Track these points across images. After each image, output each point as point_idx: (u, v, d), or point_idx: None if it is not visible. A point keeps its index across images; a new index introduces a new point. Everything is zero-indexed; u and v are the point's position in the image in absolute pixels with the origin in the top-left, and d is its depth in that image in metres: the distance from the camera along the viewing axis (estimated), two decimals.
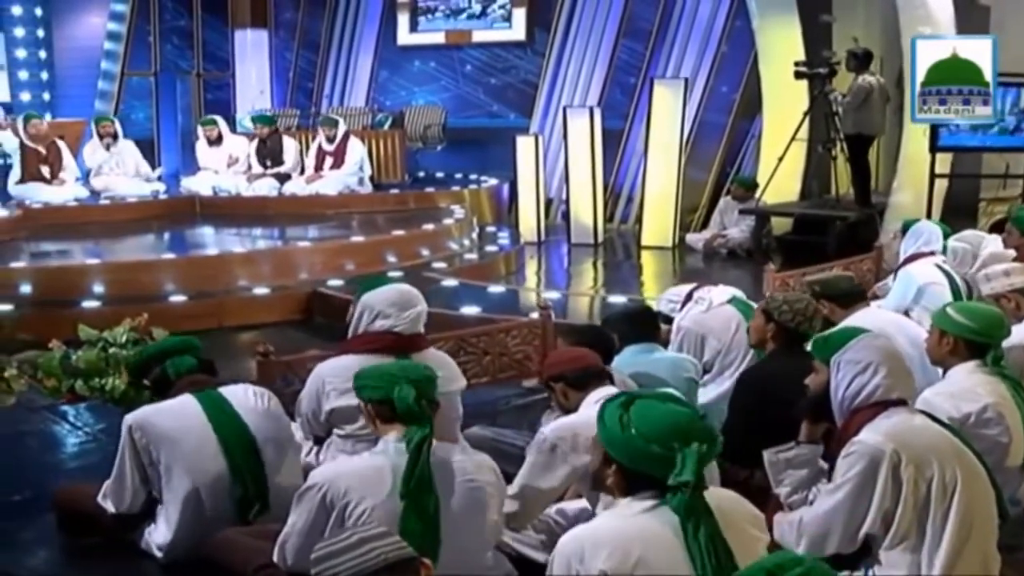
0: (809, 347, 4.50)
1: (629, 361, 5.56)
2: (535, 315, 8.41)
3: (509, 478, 4.56)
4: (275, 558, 3.98)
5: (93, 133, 14.83)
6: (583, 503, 4.51)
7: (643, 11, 16.03)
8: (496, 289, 10.65)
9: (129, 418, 4.51)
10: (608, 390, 4.51)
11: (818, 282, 6.43)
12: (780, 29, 14.03)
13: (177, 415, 4.53)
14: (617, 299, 10.23)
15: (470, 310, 9.04)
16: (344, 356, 5.05)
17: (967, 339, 4.83)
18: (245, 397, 4.68)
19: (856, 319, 5.71)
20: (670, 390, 4.58)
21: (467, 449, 4.30)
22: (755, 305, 6.70)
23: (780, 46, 13.97)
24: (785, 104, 13.94)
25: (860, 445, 3.88)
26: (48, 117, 15.84)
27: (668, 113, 13.96)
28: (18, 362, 5.35)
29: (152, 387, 4.86)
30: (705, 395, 6.10)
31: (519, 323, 7.63)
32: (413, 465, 3.81)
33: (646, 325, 5.95)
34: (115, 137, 14.70)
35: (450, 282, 10.39)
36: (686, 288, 6.84)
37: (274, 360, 6.19)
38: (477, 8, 17.95)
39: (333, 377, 4.99)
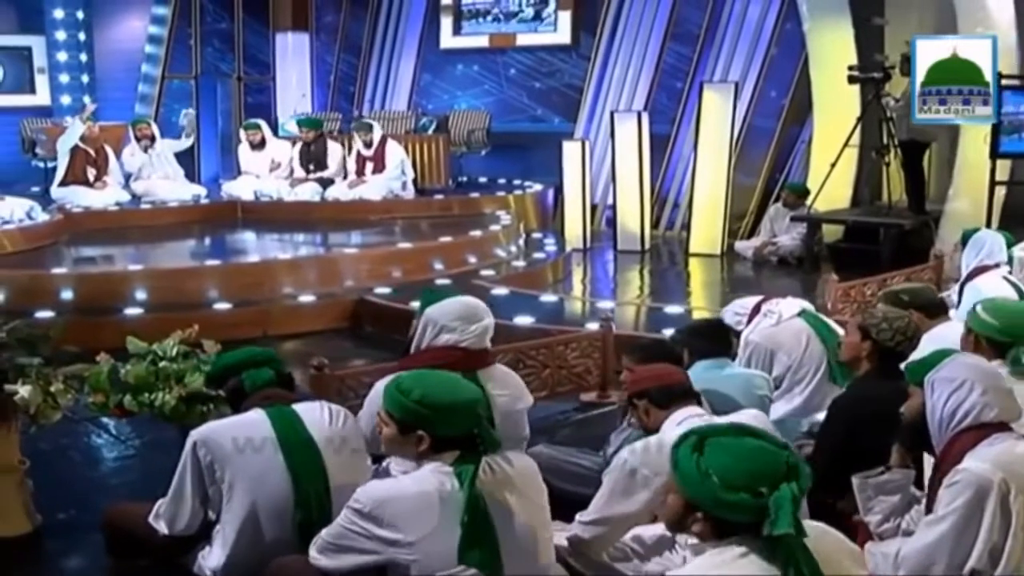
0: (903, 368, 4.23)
1: (700, 377, 5.30)
2: (592, 326, 8.23)
3: (576, 499, 4.42)
4: None
5: (131, 136, 14.75)
6: (661, 528, 4.26)
7: (691, 14, 15.77)
8: (548, 298, 10.40)
9: (194, 434, 4.28)
10: (693, 410, 4.31)
11: (906, 291, 6.15)
12: (832, 32, 13.71)
13: (246, 432, 4.28)
14: (674, 309, 9.92)
15: (523, 320, 8.80)
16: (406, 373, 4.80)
17: (990, 337, 4.68)
18: (320, 416, 4.41)
19: (939, 332, 5.45)
20: (744, 413, 4.37)
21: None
22: (825, 319, 6.51)
23: (831, 50, 13.66)
24: (836, 109, 13.66)
25: (965, 474, 3.61)
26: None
27: (717, 118, 13.69)
28: (64, 376, 5.11)
29: (227, 399, 4.64)
30: (774, 412, 5.83)
31: (579, 335, 7.39)
32: (469, 500, 3.65)
33: (718, 339, 5.69)
34: (152, 139, 14.62)
35: (500, 290, 10.15)
36: (752, 300, 6.59)
37: (328, 374, 5.95)
38: (522, 11, 17.69)
39: None
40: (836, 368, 6.07)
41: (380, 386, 4.78)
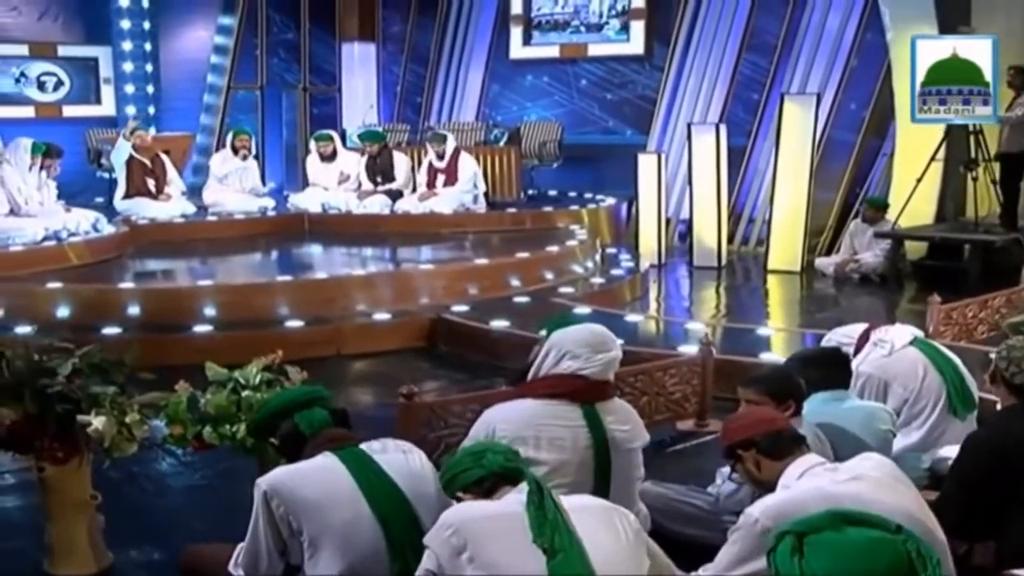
0: None
1: (818, 411, 4.94)
2: (685, 349, 7.87)
3: (685, 539, 4.30)
4: None
5: (228, 144, 14.68)
6: None
7: (768, 24, 15.40)
8: (633, 318, 10.04)
9: (263, 483, 3.88)
10: (812, 459, 3.87)
11: None
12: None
13: (321, 480, 3.87)
14: (765, 331, 9.54)
15: None
16: (521, 400, 4.45)
17: None
18: (395, 456, 4.02)
19: None
20: (868, 460, 3.97)
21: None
22: (939, 347, 6.11)
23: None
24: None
25: None
26: (153, 130, 15.59)
27: (798, 130, 13.30)
28: (140, 406, 4.79)
29: (281, 447, 4.25)
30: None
31: (678, 360, 7.01)
32: (547, 523, 3.32)
33: (837, 370, 5.29)
34: (249, 151, 14.64)
35: (581, 309, 9.78)
36: (859, 327, 6.18)
37: (419, 402, 5.61)
38: (594, 21, 17.34)
39: (507, 424, 4.36)
40: (956, 400, 5.76)
41: (492, 414, 4.43)
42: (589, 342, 4.49)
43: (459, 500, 3.61)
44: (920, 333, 6.17)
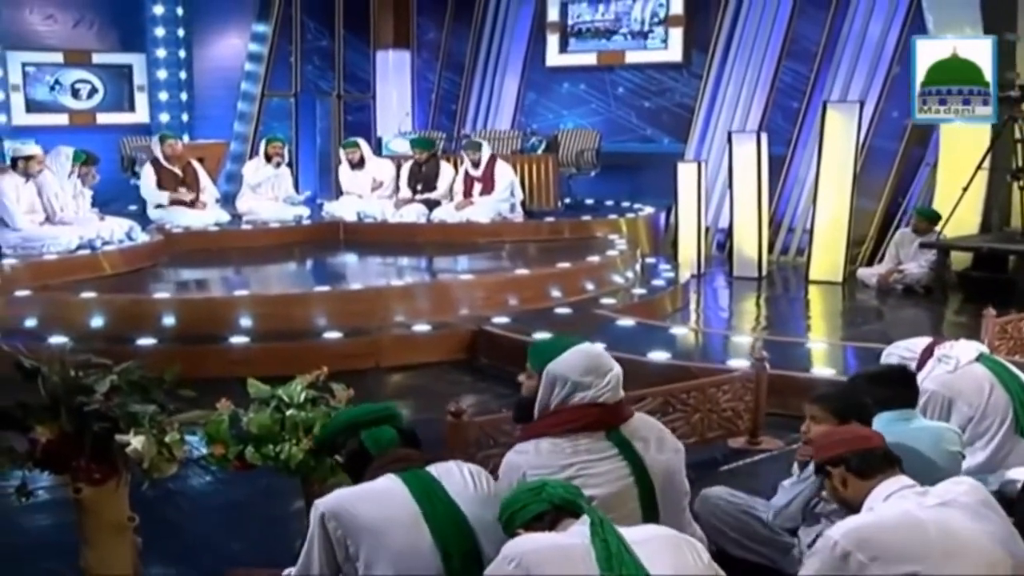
0: None
1: (885, 431, 4.65)
2: (734, 363, 7.68)
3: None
4: None
5: (261, 151, 14.61)
6: None
7: (808, 31, 15.18)
8: (679, 330, 9.82)
9: (321, 504, 3.70)
10: (900, 481, 3.69)
11: None
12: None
13: (381, 502, 3.69)
14: (818, 344, 9.31)
15: (658, 356, 8.18)
16: (543, 440, 4.14)
17: None
18: (461, 479, 3.83)
19: None
20: (959, 484, 3.78)
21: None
22: (1006, 363, 5.89)
23: None
24: (965, 129, 12.95)
25: None
26: (185, 138, 15.51)
27: (841, 139, 13.08)
28: (180, 424, 4.62)
29: (346, 465, 4.10)
30: None
31: (731, 376, 6.79)
32: (612, 556, 3.18)
33: (905, 388, 5.05)
34: (282, 159, 14.51)
35: (625, 321, 9.59)
36: (922, 342, 5.95)
37: (467, 421, 5.41)
38: (631, 28, 17.14)
39: (537, 469, 4.03)
40: None
41: (515, 459, 4.14)
42: (590, 368, 4.22)
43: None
44: (986, 349, 5.93)
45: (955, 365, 5.67)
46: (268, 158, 14.36)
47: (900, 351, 6.01)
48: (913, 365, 5.80)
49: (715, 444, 6.66)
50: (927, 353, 5.84)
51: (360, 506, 3.68)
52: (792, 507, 4.69)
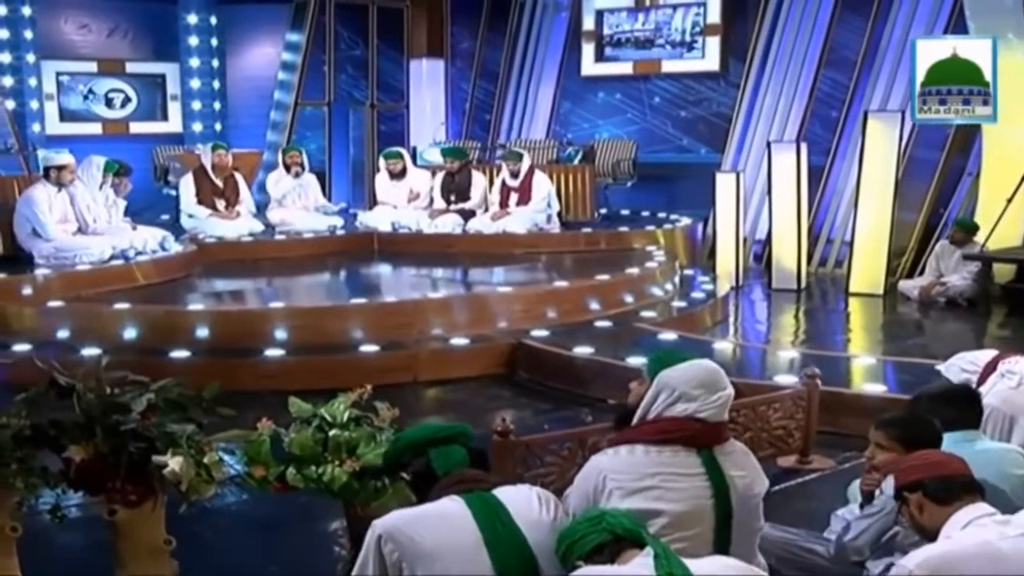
0: None
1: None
2: (779, 378, 7.51)
3: None
4: None
5: (279, 162, 14.47)
6: None
7: (847, 39, 14.99)
8: (723, 345, 9.61)
9: (379, 525, 3.54)
10: (979, 508, 3.54)
11: None
12: (1005, 55, 12.79)
13: (442, 526, 3.54)
14: (867, 360, 9.02)
15: None
16: (633, 447, 4.00)
17: None
18: (528, 505, 3.67)
19: None
20: None
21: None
22: None
23: (1004, 74, 12.73)
24: (1009, 139, 12.76)
25: None
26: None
27: (882, 149, 12.85)
28: (224, 447, 4.47)
29: (412, 483, 3.97)
30: None
31: (783, 394, 6.60)
32: None
33: (968, 409, 4.86)
34: (302, 167, 14.29)
35: (667, 335, 9.40)
36: (987, 355, 5.78)
37: (514, 440, 5.23)
38: (671, 38, 16.97)
39: (621, 474, 3.90)
40: None
41: (600, 461, 4.03)
42: (704, 382, 4.08)
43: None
44: None
45: (1018, 381, 5.51)
46: (287, 168, 14.23)
47: (963, 363, 5.85)
48: (975, 379, 5.65)
49: (765, 464, 6.44)
50: (990, 367, 5.68)
51: (420, 529, 3.53)
52: (861, 540, 4.45)
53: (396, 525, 3.55)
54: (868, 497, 4.51)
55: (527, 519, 3.59)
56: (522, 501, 3.67)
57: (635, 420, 4.09)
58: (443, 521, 3.55)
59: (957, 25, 13.66)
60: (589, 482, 3.93)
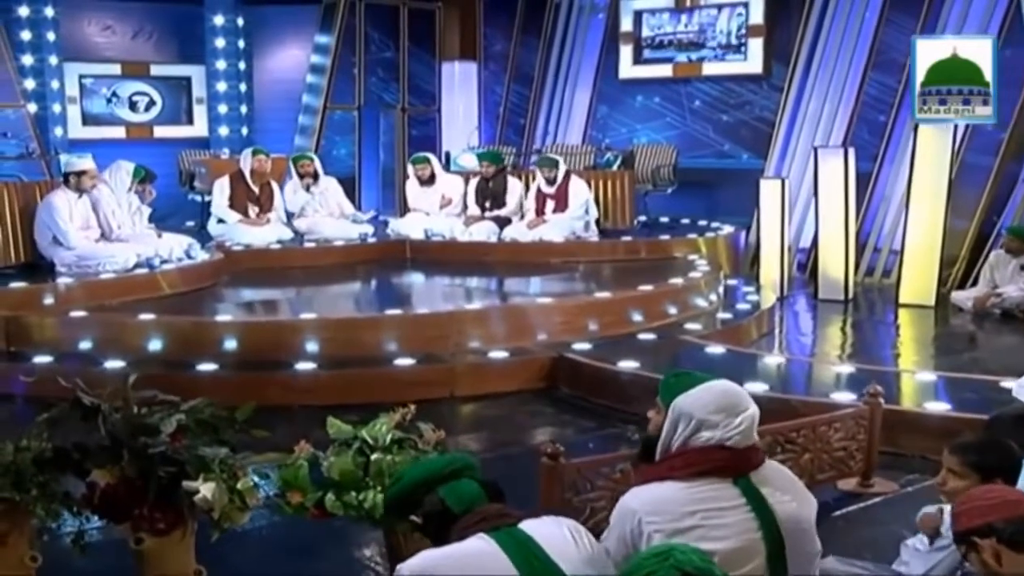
0: None
1: None
2: (836, 395, 7.16)
3: None
4: None
5: (293, 173, 14.08)
6: None
7: (895, 41, 14.54)
8: (773, 359, 9.21)
9: (406, 570, 3.19)
10: None
11: None
12: None
13: (475, 567, 3.17)
14: (927, 376, 8.59)
15: (754, 387, 7.45)
16: (664, 484, 3.63)
17: None
18: (561, 538, 3.32)
19: None
20: None
21: None
22: None
23: None
24: None
25: None
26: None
27: (933, 154, 12.44)
28: (255, 469, 4.12)
29: (425, 526, 3.55)
30: None
31: (844, 414, 6.21)
32: None
33: None
34: (315, 177, 13.94)
35: (714, 349, 9.01)
36: None
37: (565, 463, 4.84)
38: (722, 42, 16.62)
39: (654, 515, 3.54)
40: None
41: (631, 501, 3.62)
42: (722, 406, 3.69)
43: None
44: None
45: None
46: (301, 177, 13.89)
47: None
48: None
49: (824, 487, 6.08)
50: None
51: (451, 572, 3.17)
52: (937, 570, 4.16)
53: (426, 569, 3.20)
54: (938, 531, 4.18)
55: (562, 552, 3.27)
56: (553, 534, 3.34)
57: (658, 453, 3.70)
58: (476, 562, 3.19)
59: (1013, 26, 13.29)
60: (625, 526, 3.57)
